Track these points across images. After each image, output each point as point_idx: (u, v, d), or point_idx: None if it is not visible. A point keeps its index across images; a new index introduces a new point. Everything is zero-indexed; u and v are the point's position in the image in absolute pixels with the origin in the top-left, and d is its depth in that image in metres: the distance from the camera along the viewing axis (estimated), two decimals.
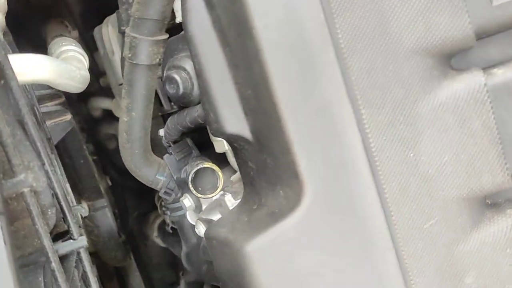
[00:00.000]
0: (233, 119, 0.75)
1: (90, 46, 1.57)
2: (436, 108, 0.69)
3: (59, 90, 0.97)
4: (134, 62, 0.90)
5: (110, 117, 1.63)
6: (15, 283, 0.49)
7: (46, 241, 0.60)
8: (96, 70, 1.66)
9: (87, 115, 1.73)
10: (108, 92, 1.54)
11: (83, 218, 1.22)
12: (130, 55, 0.89)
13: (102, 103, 1.65)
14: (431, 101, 0.68)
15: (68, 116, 0.94)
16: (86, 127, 1.66)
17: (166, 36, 0.89)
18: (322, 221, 0.70)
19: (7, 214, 0.55)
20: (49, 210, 0.63)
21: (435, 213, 0.71)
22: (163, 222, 1.56)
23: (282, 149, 0.70)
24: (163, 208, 1.28)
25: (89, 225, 1.18)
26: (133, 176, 1.08)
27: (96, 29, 1.30)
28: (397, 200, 0.70)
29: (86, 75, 0.77)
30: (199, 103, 0.84)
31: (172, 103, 1.07)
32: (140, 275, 1.73)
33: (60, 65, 0.65)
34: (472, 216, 0.71)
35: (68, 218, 0.63)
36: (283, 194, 0.73)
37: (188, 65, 0.82)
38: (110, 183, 1.63)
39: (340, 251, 0.70)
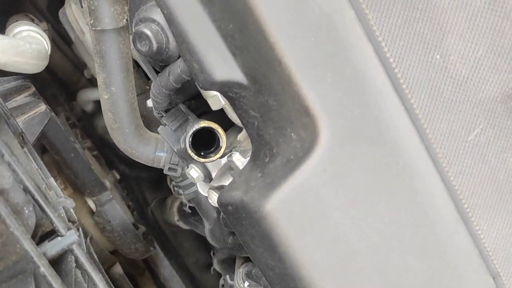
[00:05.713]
0: (220, 64, 0.64)
1: (66, 39, 1.47)
2: None
3: (26, 80, 0.87)
4: (99, 28, 0.78)
5: None
6: None
7: (27, 244, 0.50)
8: (79, 62, 1.58)
9: (80, 112, 1.66)
10: (95, 83, 1.44)
11: (93, 216, 1.13)
12: (92, 21, 0.78)
13: (91, 95, 1.57)
14: None
15: (43, 107, 0.84)
16: (79, 124, 1.58)
17: None
18: (347, 158, 0.59)
19: None
20: (25, 208, 0.53)
21: (479, 121, 0.59)
22: (181, 204, 1.48)
23: (283, 83, 0.58)
24: (176, 188, 1.19)
25: (99, 222, 1.10)
26: (144, 166, 0.98)
27: (60, 13, 1.18)
28: (430, 114, 0.58)
29: (41, 49, 0.66)
30: (179, 56, 0.73)
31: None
32: (173, 263, 1.68)
33: (1, 40, 0.54)
34: None
35: (48, 212, 0.53)
36: (296, 136, 0.62)
37: (158, 15, 0.70)
38: (118, 176, 1.55)
39: (373, 186, 0.59)
